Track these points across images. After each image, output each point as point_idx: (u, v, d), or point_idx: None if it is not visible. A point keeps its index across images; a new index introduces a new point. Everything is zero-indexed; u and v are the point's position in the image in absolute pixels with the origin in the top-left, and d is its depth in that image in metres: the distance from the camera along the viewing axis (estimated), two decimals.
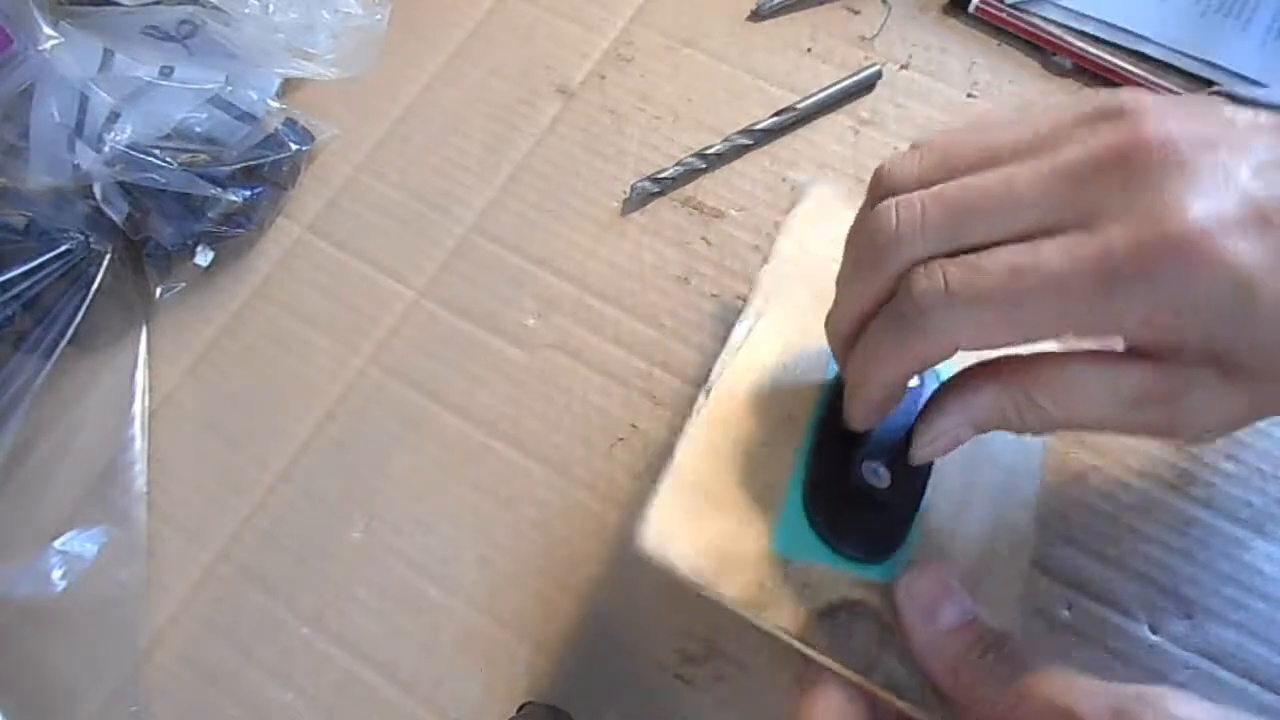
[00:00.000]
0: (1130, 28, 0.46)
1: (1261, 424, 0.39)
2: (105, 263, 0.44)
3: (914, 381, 0.30)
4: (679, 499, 0.30)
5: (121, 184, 0.44)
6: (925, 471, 0.32)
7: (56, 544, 0.41)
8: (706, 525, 0.30)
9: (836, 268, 0.29)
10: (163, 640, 0.40)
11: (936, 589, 0.27)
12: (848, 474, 0.30)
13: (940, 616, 0.27)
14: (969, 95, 0.47)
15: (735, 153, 0.46)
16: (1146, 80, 0.45)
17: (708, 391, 0.33)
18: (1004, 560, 0.32)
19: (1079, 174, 0.23)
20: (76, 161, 0.43)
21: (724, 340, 0.34)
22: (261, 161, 0.46)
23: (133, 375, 0.44)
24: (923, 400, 0.29)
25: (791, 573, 0.29)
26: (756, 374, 0.34)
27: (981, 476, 0.33)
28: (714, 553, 0.29)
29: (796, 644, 0.28)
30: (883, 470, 0.30)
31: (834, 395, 0.32)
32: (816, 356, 0.34)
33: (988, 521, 0.32)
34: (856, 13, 0.49)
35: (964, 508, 0.32)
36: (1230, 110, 0.24)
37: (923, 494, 0.32)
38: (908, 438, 0.29)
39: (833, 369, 0.34)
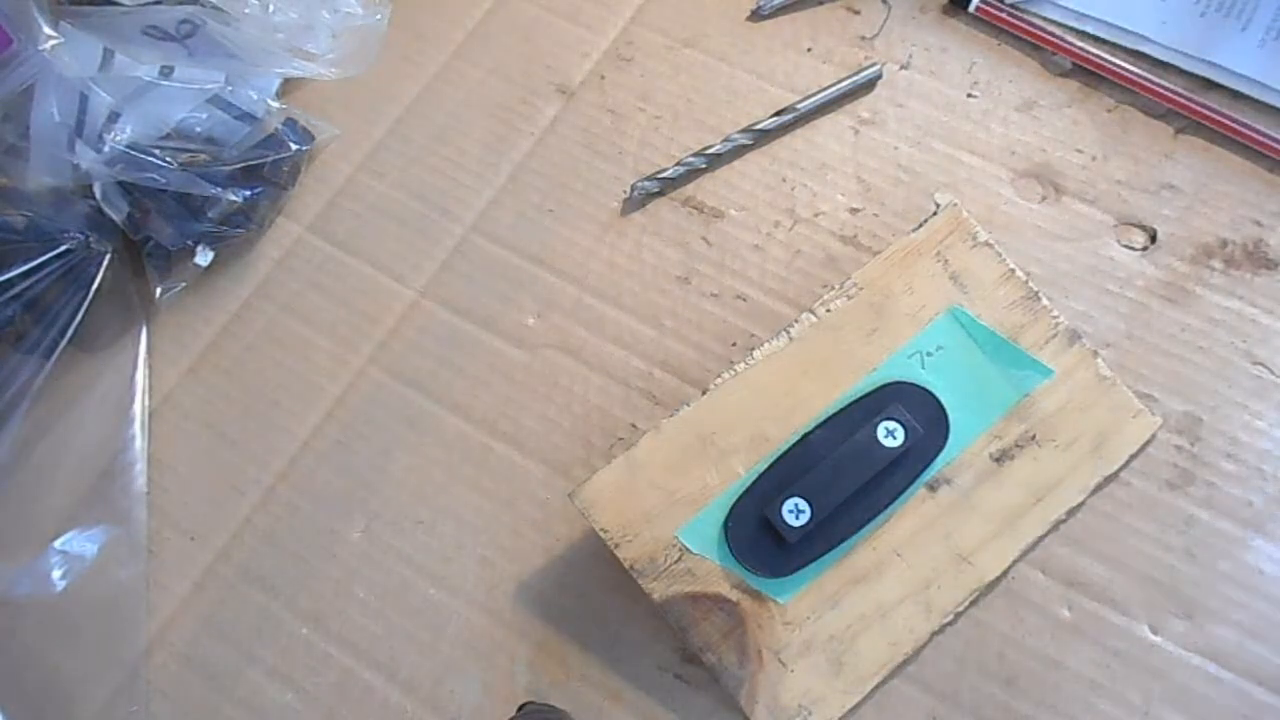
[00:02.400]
0: (1130, 27, 0.46)
1: (1261, 424, 0.39)
2: (105, 263, 0.44)
3: (891, 441, 0.35)
4: (624, 474, 0.36)
5: (121, 184, 0.44)
6: (858, 523, 0.36)
7: (57, 544, 0.41)
8: (636, 500, 0.36)
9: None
10: (163, 640, 0.40)
11: None
12: (771, 498, 0.35)
13: None
14: (969, 95, 0.47)
15: (735, 153, 0.46)
16: (1146, 80, 0.45)
17: (703, 392, 0.37)
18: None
19: None
20: (76, 161, 0.43)
21: (745, 345, 0.36)
22: (261, 161, 0.46)
23: (133, 375, 0.44)
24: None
25: (686, 559, 0.35)
26: (754, 392, 0.37)
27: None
28: (630, 522, 0.36)
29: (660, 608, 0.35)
30: (805, 510, 0.35)
31: (814, 430, 0.36)
32: (820, 392, 0.37)
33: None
34: (856, 13, 0.49)
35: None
36: None
37: (845, 542, 0.36)
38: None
39: (826, 413, 0.36)
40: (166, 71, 0.44)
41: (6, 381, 0.42)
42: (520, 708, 0.37)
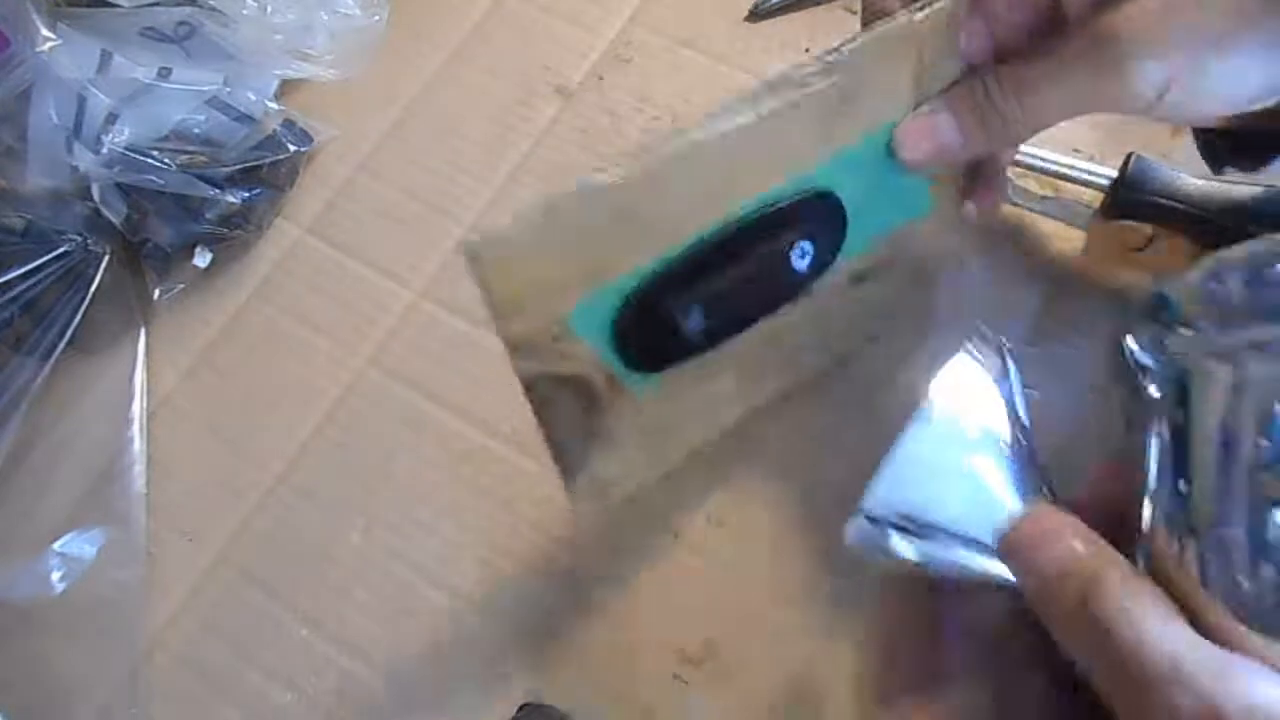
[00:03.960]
0: None
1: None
2: (104, 264, 0.44)
3: (799, 264, 0.34)
4: (532, 234, 0.29)
5: (120, 185, 0.44)
6: (735, 332, 0.34)
7: (56, 546, 0.41)
8: (535, 266, 0.29)
9: None
10: (162, 641, 0.40)
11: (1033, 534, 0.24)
12: (672, 299, 0.32)
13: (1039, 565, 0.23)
14: None
15: None
16: None
17: (647, 150, 0.30)
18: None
19: None
20: (75, 163, 0.43)
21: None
22: (260, 163, 0.46)
23: (131, 377, 0.44)
24: None
25: (564, 341, 0.31)
26: (695, 170, 0.31)
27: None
28: (521, 292, 0.29)
29: (523, 392, 0.32)
30: (699, 318, 0.32)
31: (734, 229, 0.32)
32: (755, 184, 0.32)
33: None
34: (854, 13, 0.49)
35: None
36: None
37: (716, 348, 0.34)
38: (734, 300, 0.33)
39: (749, 208, 0.32)
40: (165, 73, 0.44)
41: (5, 383, 0.42)
42: (520, 708, 0.37)
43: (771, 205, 0.32)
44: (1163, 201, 0.41)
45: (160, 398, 0.44)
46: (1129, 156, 0.42)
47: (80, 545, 0.41)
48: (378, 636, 0.39)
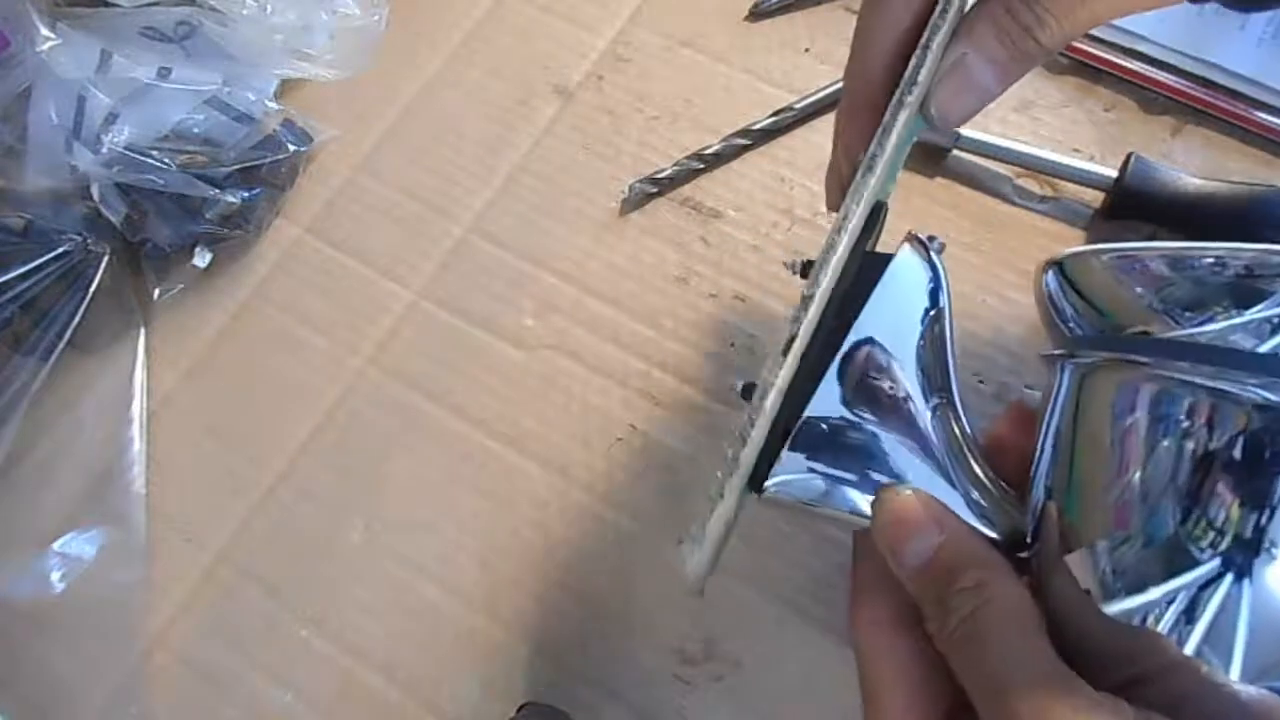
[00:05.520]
0: (1127, 26, 0.46)
1: None
2: (103, 264, 0.44)
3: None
4: None
5: (119, 185, 0.44)
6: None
7: (56, 546, 0.41)
8: None
9: None
10: (162, 641, 0.40)
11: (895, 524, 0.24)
12: None
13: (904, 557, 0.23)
14: None
15: (733, 153, 0.46)
16: (1144, 77, 0.45)
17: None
18: None
19: None
20: (74, 163, 0.43)
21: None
22: (259, 163, 0.46)
23: (131, 377, 0.44)
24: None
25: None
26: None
27: None
28: None
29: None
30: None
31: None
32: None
33: None
34: (854, 13, 0.49)
35: None
36: None
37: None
38: None
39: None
40: (164, 73, 0.44)
41: (5, 383, 0.42)
42: (520, 708, 0.37)
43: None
44: (1163, 201, 0.41)
45: (160, 397, 0.44)
46: (1129, 156, 0.42)
47: (80, 545, 0.41)
48: (378, 636, 0.39)
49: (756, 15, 0.50)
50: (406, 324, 0.45)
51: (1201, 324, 0.21)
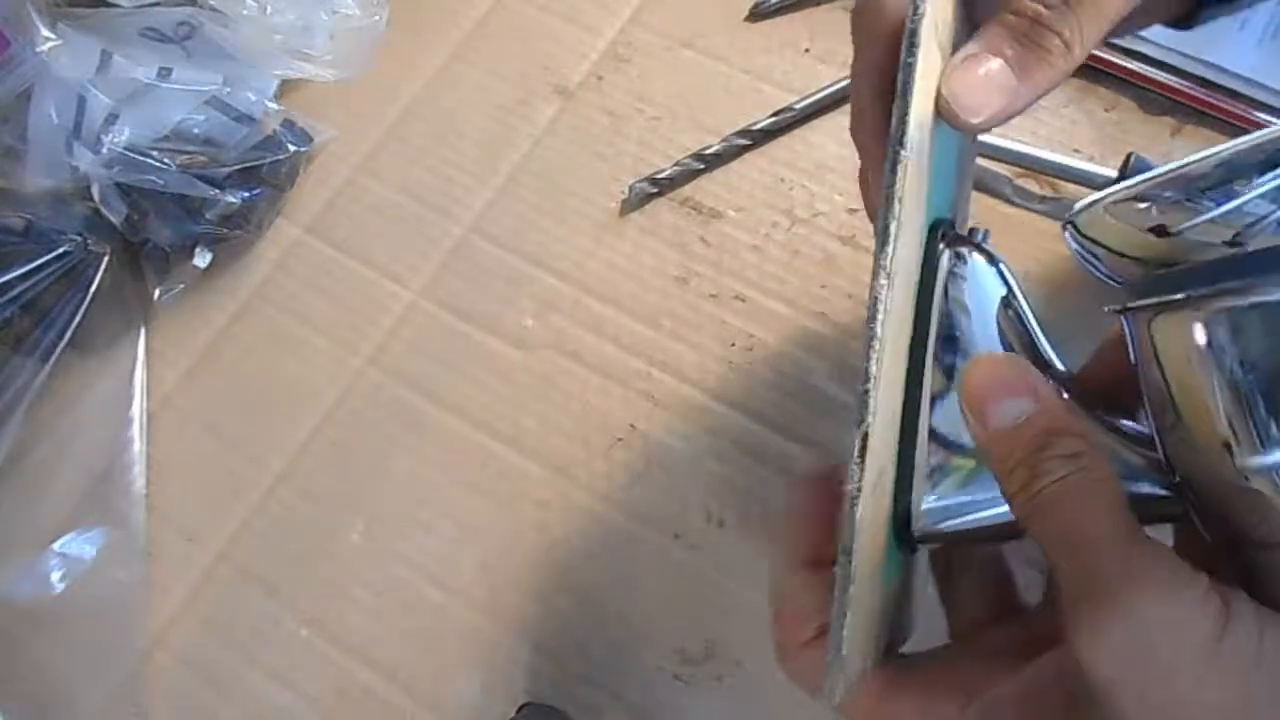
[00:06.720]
0: None
1: None
2: (104, 264, 0.44)
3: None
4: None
5: (120, 186, 0.44)
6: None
7: (56, 546, 0.41)
8: None
9: None
10: (162, 641, 0.40)
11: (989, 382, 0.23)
12: None
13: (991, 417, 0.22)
14: None
15: (733, 153, 0.46)
16: (1144, 77, 0.45)
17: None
18: None
19: None
20: (74, 163, 0.43)
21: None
22: (260, 163, 0.46)
23: (131, 377, 0.44)
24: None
25: None
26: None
27: None
28: None
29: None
30: None
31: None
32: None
33: None
34: None
35: None
36: None
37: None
38: None
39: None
40: (164, 73, 0.44)
41: (5, 384, 0.42)
42: (520, 708, 0.37)
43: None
44: None
45: (160, 398, 0.44)
46: (1129, 156, 0.42)
47: (80, 545, 0.41)
48: (378, 636, 0.39)
49: (756, 15, 0.50)
50: (406, 324, 0.45)
51: (1221, 203, 0.21)
